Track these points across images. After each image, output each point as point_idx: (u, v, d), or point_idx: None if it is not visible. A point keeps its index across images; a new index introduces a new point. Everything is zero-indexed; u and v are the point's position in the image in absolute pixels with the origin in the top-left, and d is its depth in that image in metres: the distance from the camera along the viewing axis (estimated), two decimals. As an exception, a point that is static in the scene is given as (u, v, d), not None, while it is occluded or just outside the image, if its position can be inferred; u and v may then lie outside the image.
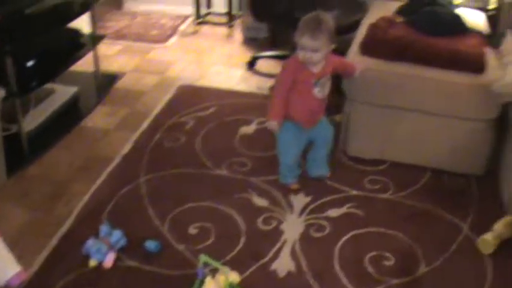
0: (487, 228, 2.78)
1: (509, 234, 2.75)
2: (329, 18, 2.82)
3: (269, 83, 4.22)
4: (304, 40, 2.75)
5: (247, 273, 2.54)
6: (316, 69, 2.87)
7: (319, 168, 3.23)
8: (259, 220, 2.88)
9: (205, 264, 2.34)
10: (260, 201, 3.01)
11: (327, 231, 2.82)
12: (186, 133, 3.59)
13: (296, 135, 3.01)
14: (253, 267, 2.58)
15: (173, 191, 3.06)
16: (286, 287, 2.50)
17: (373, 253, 2.70)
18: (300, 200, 3.03)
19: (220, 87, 4.26)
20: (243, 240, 2.74)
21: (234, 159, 3.35)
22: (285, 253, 2.67)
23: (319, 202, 3.02)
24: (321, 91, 2.92)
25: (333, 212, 2.95)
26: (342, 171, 3.27)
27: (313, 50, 2.76)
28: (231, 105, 3.96)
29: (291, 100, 2.89)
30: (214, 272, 2.38)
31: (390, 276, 2.57)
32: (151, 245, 2.65)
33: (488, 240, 2.70)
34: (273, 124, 2.86)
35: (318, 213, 2.95)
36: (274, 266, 2.60)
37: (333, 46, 2.84)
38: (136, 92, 4.13)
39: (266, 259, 2.63)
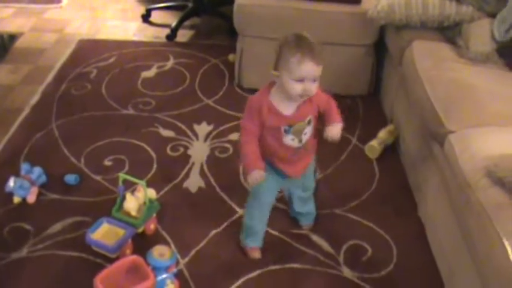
0: (373, 139, 3.13)
1: (391, 140, 3.12)
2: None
3: (165, 32, 4.42)
4: (307, 67, 1.98)
5: (163, 192, 2.78)
6: (287, 111, 2.12)
7: (304, 206, 2.59)
8: (168, 148, 3.12)
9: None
10: (167, 133, 3.24)
11: (230, 151, 3.10)
12: (91, 81, 3.74)
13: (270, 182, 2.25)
14: (167, 187, 2.83)
15: (85, 132, 3.23)
16: (199, 199, 2.78)
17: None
18: (203, 129, 3.27)
19: (118, 39, 4.40)
20: (155, 166, 2.98)
21: (138, 100, 3.55)
22: (195, 173, 2.93)
23: (220, 129, 3.28)
24: (295, 139, 2.17)
25: (234, 136, 3.20)
26: (238, 102, 3.42)
27: (315, 79, 2.03)
28: (131, 54, 4.12)
29: (261, 140, 2.18)
30: (133, 191, 2.60)
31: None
32: (70, 178, 2.83)
33: (374, 146, 3.06)
34: (254, 175, 2.10)
35: (220, 137, 3.21)
36: (186, 184, 2.86)
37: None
38: (37, 49, 4.21)
39: (178, 180, 2.89)
